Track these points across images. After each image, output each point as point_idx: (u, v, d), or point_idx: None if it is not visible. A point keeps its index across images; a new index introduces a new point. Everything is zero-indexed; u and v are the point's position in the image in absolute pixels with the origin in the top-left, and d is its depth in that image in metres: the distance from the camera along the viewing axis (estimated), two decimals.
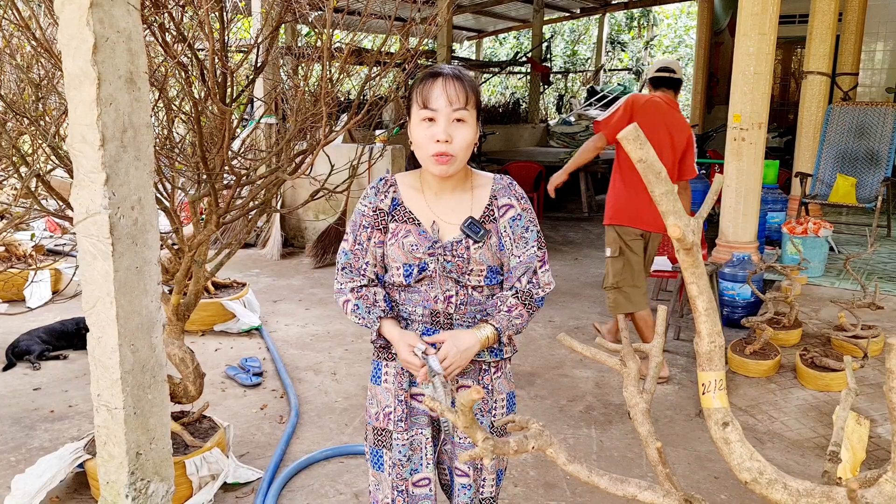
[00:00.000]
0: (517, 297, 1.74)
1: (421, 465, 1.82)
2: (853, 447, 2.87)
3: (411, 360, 1.69)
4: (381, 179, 1.82)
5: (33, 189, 2.76)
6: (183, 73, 2.55)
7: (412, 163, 1.87)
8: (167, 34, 2.43)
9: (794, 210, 6.79)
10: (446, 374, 1.65)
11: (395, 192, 1.80)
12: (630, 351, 1.24)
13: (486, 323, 1.73)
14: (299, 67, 3.21)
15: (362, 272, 1.79)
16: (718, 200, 5.66)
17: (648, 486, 1.10)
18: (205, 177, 2.71)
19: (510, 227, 1.76)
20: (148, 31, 2.35)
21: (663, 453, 1.10)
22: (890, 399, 0.94)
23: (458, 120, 1.67)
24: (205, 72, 2.46)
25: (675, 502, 1.08)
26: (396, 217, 1.77)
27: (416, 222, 1.76)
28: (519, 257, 1.75)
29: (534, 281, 1.75)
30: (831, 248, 5.82)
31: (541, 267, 1.77)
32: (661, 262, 5.06)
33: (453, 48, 11.16)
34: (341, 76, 2.88)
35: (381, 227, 1.78)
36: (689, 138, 4.18)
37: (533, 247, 1.76)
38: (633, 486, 1.09)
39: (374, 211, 1.78)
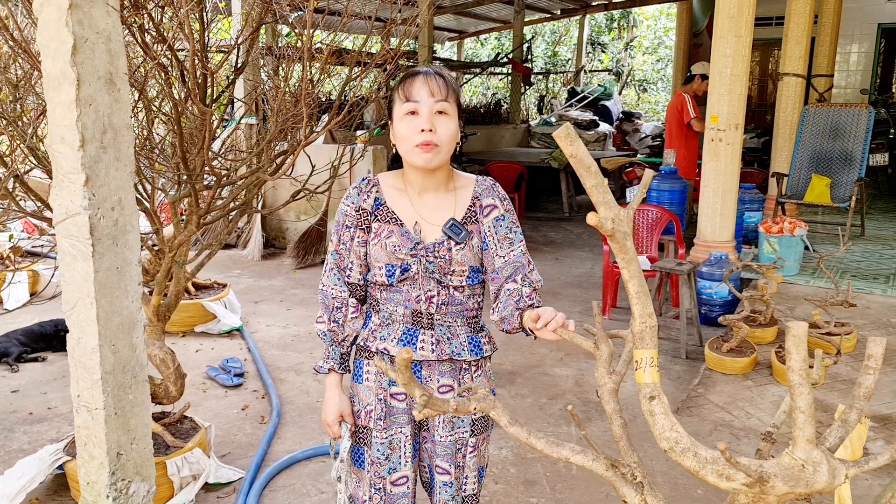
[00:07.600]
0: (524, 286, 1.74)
1: (399, 463, 1.84)
2: (852, 445, 2.92)
3: (332, 427, 1.84)
4: (363, 179, 1.83)
5: (11, 190, 2.75)
6: (163, 74, 2.55)
7: (395, 166, 1.89)
8: (147, 35, 2.43)
9: (771, 210, 6.90)
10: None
11: (377, 191, 1.80)
12: (603, 335, 1.30)
13: (530, 309, 1.66)
14: (280, 68, 3.22)
15: (348, 273, 1.81)
16: (696, 200, 5.74)
17: (581, 450, 1.20)
18: (185, 177, 2.71)
19: (493, 227, 1.78)
20: (127, 31, 2.35)
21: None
22: (789, 378, 1.02)
23: (440, 112, 1.69)
24: (185, 72, 2.46)
25: (602, 465, 1.19)
26: (379, 217, 1.78)
27: (399, 222, 1.76)
28: (504, 258, 1.77)
29: (528, 278, 1.76)
30: (806, 247, 5.92)
31: (529, 267, 1.79)
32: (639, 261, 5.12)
33: (434, 49, 11.18)
34: (322, 77, 2.89)
35: (363, 226, 1.79)
36: (677, 105, 6.66)
37: (519, 248, 1.79)
38: (566, 450, 1.19)
39: (356, 211, 1.79)
